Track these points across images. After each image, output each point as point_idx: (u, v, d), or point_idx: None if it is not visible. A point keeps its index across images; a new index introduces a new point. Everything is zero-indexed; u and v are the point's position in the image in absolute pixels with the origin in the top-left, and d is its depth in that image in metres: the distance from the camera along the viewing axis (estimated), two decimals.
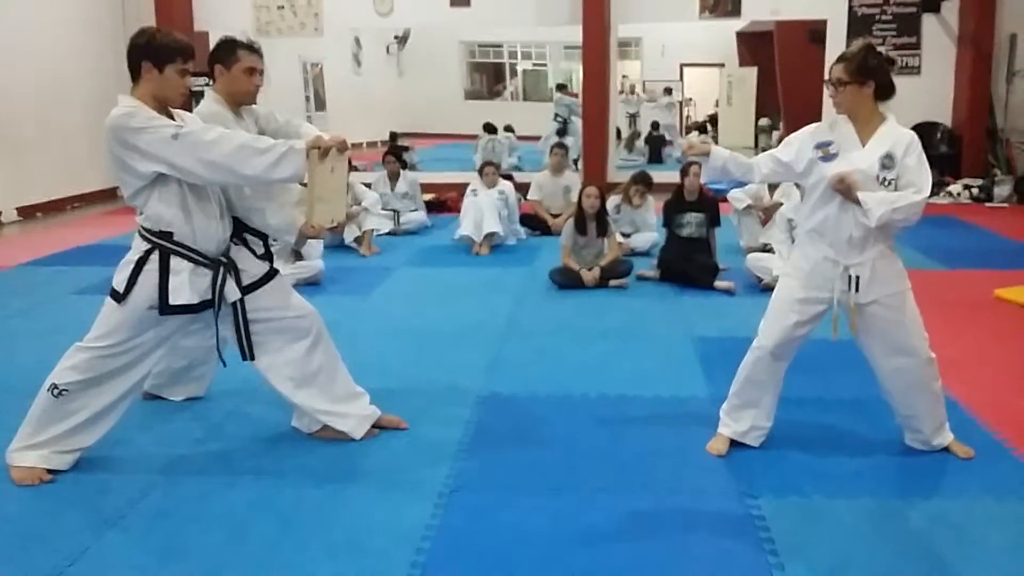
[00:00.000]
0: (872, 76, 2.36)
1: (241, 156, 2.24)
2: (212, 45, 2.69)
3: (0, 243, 6.77)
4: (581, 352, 3.67)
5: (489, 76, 17.31)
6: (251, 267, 2.55)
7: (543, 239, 6.31)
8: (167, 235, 2.35)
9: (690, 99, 16.03)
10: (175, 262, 2.36)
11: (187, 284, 2.36)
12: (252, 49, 2.64)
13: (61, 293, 4.84)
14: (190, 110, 2.54)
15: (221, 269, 2.43)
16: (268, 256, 2.66)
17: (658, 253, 5.18)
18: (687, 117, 15.72)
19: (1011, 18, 8.43)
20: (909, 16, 8.53)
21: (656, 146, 12.17)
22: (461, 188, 6.86)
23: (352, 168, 6.17)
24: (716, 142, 14.43)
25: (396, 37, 15.29)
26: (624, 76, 13.72)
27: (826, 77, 2.47)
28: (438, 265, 5.63)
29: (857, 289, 2.41)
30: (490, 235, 5.94)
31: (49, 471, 2.43)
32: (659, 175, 6.23)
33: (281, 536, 2.13)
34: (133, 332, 2.37)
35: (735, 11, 8.73)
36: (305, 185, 2.41)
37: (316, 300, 2.79)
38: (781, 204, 5.25)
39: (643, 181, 5.81)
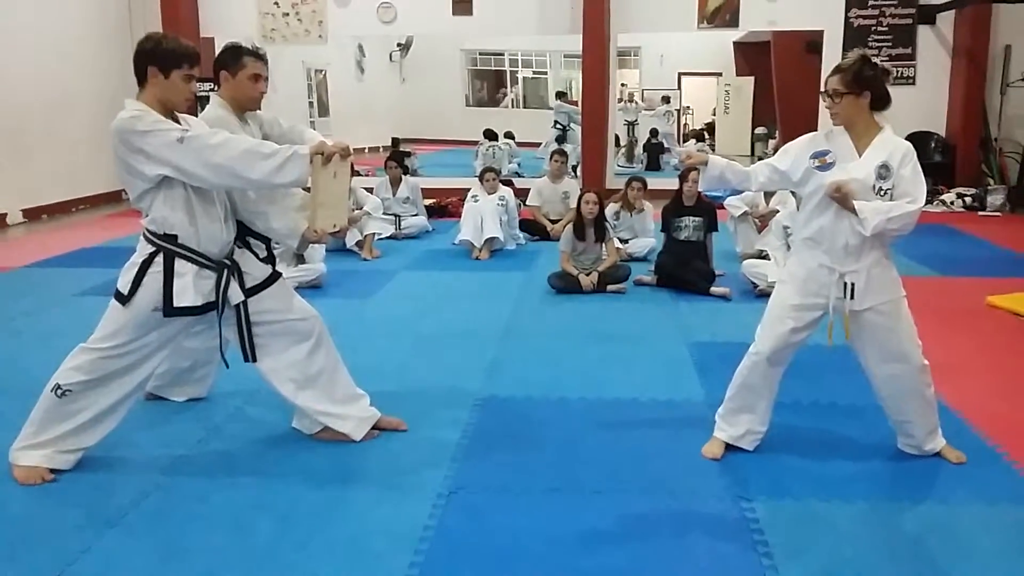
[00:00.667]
0: (868, 87, 2.39)
1: (246, 160, 2.27)
2: (218, 51, 2.72)
3: (6, 245, 6.79)
4: (579, 356, 3.70)
5: (490, 83, 17.40)
6: (254, 270, 2.58)
7: (542, 244, 6.35)
8: (172, 238, 2.38)
9: (688, 108, 16.13)
10: (179, 264, 2.38)
11: (191, 286, 2.38)
12: (257, 56, 2.67)
13: (66, 294, 4.86)
14: (196, 115, 2.58)
15: (225, 272, 2.45)
16: (271, 259, 2.68)
17: (655, 259, 5.23)
18: (685, 125, 15.80)
19: (1006, 30, 8.50)
20: (904, 27, 8.61)
21: (654, 154, 12.24)
22: (462, 193, 6.90)
23: (354, 173, 6.19)
24: (713, 150, 14.40)
25: (399, 45, 15.37)
26: (623, 84, 13.80)
27: (822, 88, 2.50)
28: (438, 269, 5.66)
29: (852, 296, 2.44)
30: (490, 240, 5.97)
31: (52, 470, 2.44)
32: (657, 182, 6.29)
33: (281, 536, 2.15)
34: (137, 333, 2.40)
35: (733, 21, 8.81)
36: (308, 190, 2.44)
37: (318, 303, 2.82)
38: (777, 211, 5.30)
39: (640, 180, 5.95)
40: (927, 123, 8.52)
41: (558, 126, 11.80)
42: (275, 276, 2.63)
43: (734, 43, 14.26)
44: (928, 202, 8.37)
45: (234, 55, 2.64)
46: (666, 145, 12.47)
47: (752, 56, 13.94)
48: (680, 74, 15.92)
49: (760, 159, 2.71)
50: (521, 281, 5.22)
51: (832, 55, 8.60)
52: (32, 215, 7.82)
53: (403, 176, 7.07)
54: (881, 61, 2.49)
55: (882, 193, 2.38)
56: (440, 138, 15.25)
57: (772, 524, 2.20)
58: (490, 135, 10.98)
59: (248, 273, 2.55)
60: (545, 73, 17.09)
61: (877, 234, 2.37)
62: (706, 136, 14.36)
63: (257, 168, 2.27)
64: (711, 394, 3.13)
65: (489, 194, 6.17)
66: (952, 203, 8.22)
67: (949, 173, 8.56)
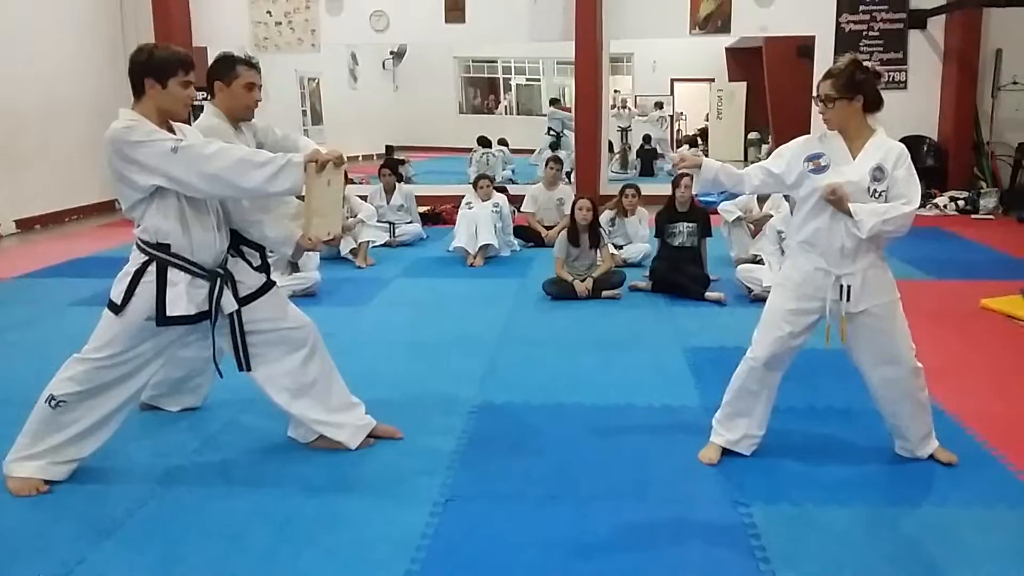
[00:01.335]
0: (860, 90, 2.40)
1: (239, 169, 2.27)
2: (211, 60, 2.72)
3: None
4: (574, 362, 3.70)
5: (483, 91, 17.44)
6: (248, 279, 2.58)
7: (536, 251, 6.36)
8: (165, 247, 2.37)
9: (681, 113, 16.20)
10: (172, 274, 2.38)
11: (184, 295, 2.38)
12: (251, 65, 2.68)
13: (59, 305, 4.84)
14: (190, 124, 2.58)
15: (218, 280, 2.45)
16: (265, 268, 2.68)
17: (650, 264, 5.24)
18: (678, 131, 15.87)
19: (996, 34, 8.58)
20: (896, 32, 8.68)
21: (648, 160, 12.28)
22: (456, 200, 6.90)
23: (348, 181, 6.20)
24: (707, 155, 14.48)
25: (392, 52, 15.40)
26: (616, 91, 13.85)
27: (815, 93, 2.51)
28: (433, 276, 5.66)
29: (848, 299, 2.45)
30: (484, 247, 5.98)
31: (46, 481, 2.43)
32: (650, 188, 6.32)
33: (277, 545, 2.14)
34: (131, 343, 2.39)
35: (725, 27, 8.87)
36: (302, 198, 2.44)
37: (312, 311, 2.81)
38: (771, 216, 5.32)
39: (634, 187, 6.05)
40: (919, 127, 8.58)
41: (552, 133, 11.83)
42: (269, 285, 2.63)
43: (726, 49, 14.34)
44: (921, 205, 8.40)
45: (228, 65, 2.65)
46: (659, 151, 12.52)
47: (744, 62, 14.03)
48: (673, 80, 16.00)
49: (753, 164, 2.73)
50: (516, 288, 5.23)
51: (824, 60, 8.67)
52: (25, 225, 7.80)
53: (397, 184, 7.07)
54: (872, 65, 2.51)
55: (877, 195, 2.40)
56: (434, 145, 15.27)
57: (769, 529, 2.20)
58: (484, 142, 11.00)
59: (241, 282, 2.54)
60: (538, 80, 17.15)
61: (873, 236, 2.38)
62: (699, 142, 14.43)
63: (251, 177, 2.28)
64: (707, 399, 3.14)
65: (483, 201, 6.18)
66: (945, 206, 8.27)
67: (942, 177, 8.61)
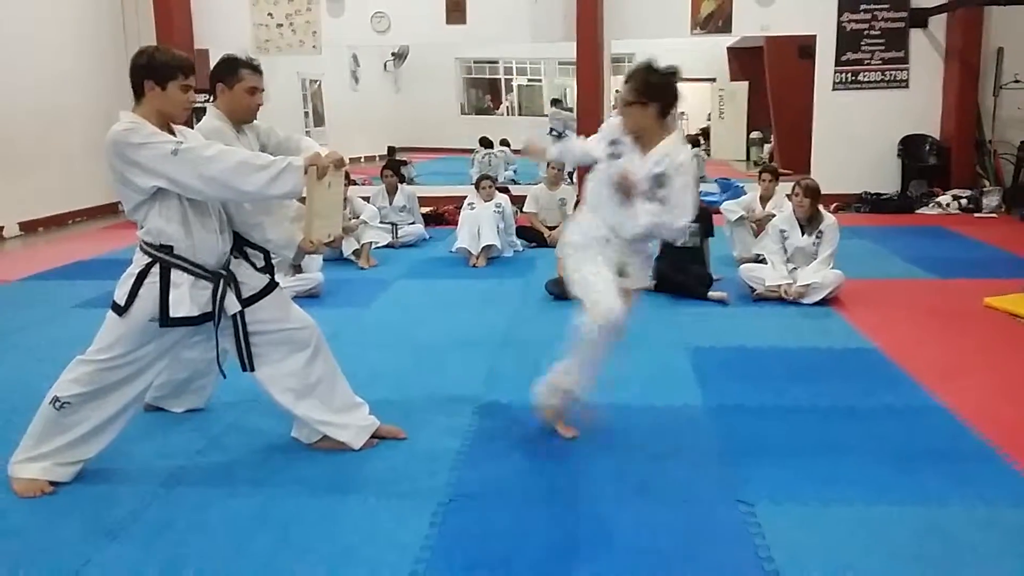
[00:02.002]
0: (654, 96, 2.49)
1: (240, 172, 2.28)
2: (212, 62, 2.73)
3: (2, 257, 6.79)
4: None
5: (485, 91, 17.45)
6: (251, 280, 2.58)
7: (539, 251, 6.36)
8: (167, 249, 2.38)
9: (683, 113, 16.16)
10: (175, 275, 2.39)
11: (187, 297, 2.39)
12: (254, 68, 2.69)
13: (63, 307, 4.85)
14: (191, 126, 2.58)
15: (221, 282, 2.46)
16: (270, 269, 2.69)
17: (653, 264, 5.22)
18: (680, 130, 15.83)
19: (997, 32, 8.56)
20: (897, 31, 8.66)
21: None
22: (458, 201, 6.91)
23: (351, 182, 6.21)
24: (709, 155, 14.42)
25: (393, 54, 15.42)
26: (617, 91, 13.81)
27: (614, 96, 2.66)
28: (436, 277, 5.66)
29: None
30: (487, 247, 5.98)
31: (51, 483, 2.44)
32: None
33: (281, 546, 2.15)
34: (134, 345, 2.40)
35: (726, 27, 8.86)
36: (303, 201, 2.45)
37: (315, 312, 2.82)
38: (773, 215, 5.32)
39: None
40: (921, 126, 8.56)
41: (553, 133, 11.85)
42: (272, 286, 2.63)
43: (728, 49, 14.33)
44: (924, 204, 8.44)
45: (230, 67, 2.65)
46: None
47: (746, 61, 14.02)
48: None
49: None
50: (519, 288, 5.23)
51: (825, 60, 8.67)
52: (28, 228, 7.83)
53: (399, 185, 7.08)
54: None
55: (654, 198, 2.51)
56: (436, 146, 15.28)
57: (773, 528, 2.20)
58: (486, 143, 11.01)
59: (245, 283, 2.55)
60: (540, 80, 17.15)
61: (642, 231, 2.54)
62: (701, 141, 14.40)
63: (252, 180, 2.28)
64: (710, 399, 3.14)
65: (485, 201, 6.19)
66: (948, 205, 8.25)
67: (944, 175, 8.60)
